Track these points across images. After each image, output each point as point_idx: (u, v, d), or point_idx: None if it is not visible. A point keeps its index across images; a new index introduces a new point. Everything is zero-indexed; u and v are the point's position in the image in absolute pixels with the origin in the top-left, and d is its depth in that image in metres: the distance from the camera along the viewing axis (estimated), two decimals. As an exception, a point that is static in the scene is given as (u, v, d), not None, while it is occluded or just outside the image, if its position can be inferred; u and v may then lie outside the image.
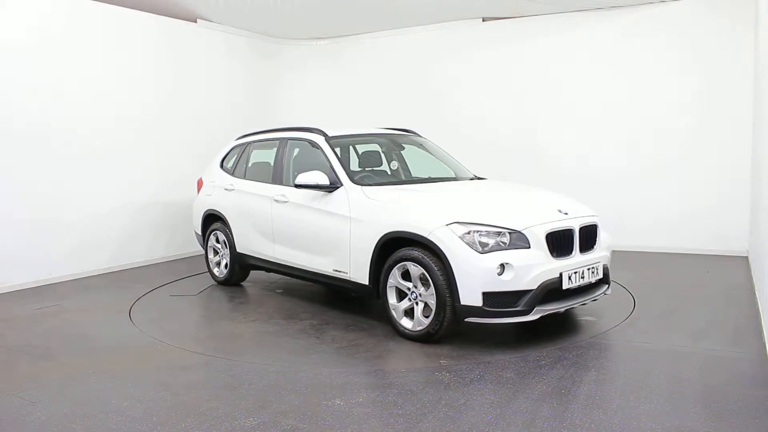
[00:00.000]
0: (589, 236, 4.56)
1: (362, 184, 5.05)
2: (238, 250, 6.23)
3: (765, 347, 4.05)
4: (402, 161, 6.12)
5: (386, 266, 4.55)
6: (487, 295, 4.06)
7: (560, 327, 4.71)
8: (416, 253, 4.32)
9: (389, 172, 5.92)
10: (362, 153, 5.94)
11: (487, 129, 8.74)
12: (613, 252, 7.61)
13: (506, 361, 3.98)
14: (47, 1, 6.72)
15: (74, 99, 6.95)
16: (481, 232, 4.16)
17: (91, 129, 7.13)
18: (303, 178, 5.15)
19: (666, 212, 7.75)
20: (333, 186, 5.08)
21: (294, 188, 5.36)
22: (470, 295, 4.09)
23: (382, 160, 5.95)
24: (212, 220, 6.61)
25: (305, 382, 3.74)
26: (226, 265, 6.47)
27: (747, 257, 7.13)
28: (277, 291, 6.32)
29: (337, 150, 5.46)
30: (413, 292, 4.40)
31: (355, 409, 3.28)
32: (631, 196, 7.92)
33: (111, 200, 7.37)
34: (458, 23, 8.85)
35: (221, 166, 6.64)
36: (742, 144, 7.24)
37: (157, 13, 7.91)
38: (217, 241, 6.54)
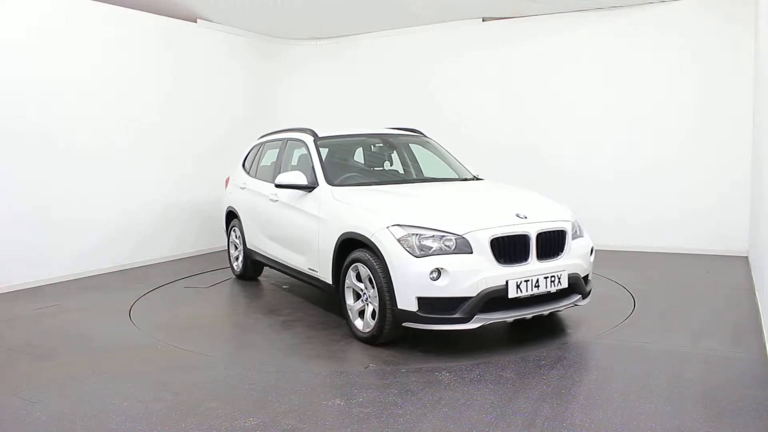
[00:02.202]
0: (552, 242, 4.28)
1: (340, 185, 5.07)
2: (247, 246, 6.44)
3: (765, 347, 4.05)
4: (399, 160, 6.10)
5: (343, 267, 4.56)
6: (422, 301, 3.97)
7: (560, 327, 4.71)
8: (364, 254, 4.31)
9: (378, 173, 5.85)
10: (352, 153, 5.99)
11: (487, 129, 8.74)
12: (614, 252, 7.70)
13: (506, 361, 3.98)
14: (47, 1, 6.72)
15: (74, 99, 6.95)
16: (421, 235, 4.05)
17: (91, 129, 7.14)
18: (281, 178, 5.27)
19: (666, 212, 7.75)
20: (312, 186, 5.15)
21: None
22: (406, 300, 4.02)
23: (373, 160, 5.97)
24: (232, 216, 6.85)
25: (305, 382, 3.74)
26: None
27: (747, 257, 7.13)
28: (283, 287, 6.40)
29: (325, 150, 5.52)
30: (365, 293, 4.38)
31: (355, 409, 3.28)
32: (631, 196, 7.92)
33: (112, 200, 7.37)
34: (458, 23, 8.86)
35: (243, 165, 6.85)
36: (742, 144, 7.24)
37: (157, 13, 7.91)
38: (237, 237, 6.74)
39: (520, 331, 4.65)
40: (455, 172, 5.81)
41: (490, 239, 4.03)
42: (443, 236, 4.04)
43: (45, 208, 6.68)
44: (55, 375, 3.95)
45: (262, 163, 6.47)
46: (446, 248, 4.02)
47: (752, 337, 4.29)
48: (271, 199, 5.76)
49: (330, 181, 5.11)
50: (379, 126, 7.29)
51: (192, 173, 8.42)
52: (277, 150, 6.18)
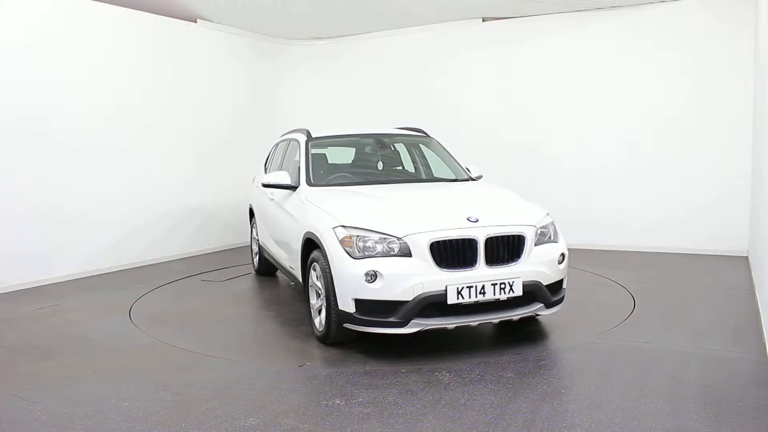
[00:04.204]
0: (507, 248, 4.08)
1: (323, 185, 5.12)
2: (260, 243, 6.68)
3: (765, 347, 4.05)
4: (396, 161, 6.10)
5: (307, 266, 4.61)
6: (358, 302, 3.97)
7: (560, 327, 4.71)
8: (318, 254, 4.33)
9: (365, 173, 5.76)
10: (344, 153, 6.05)
11: (487, 129, 8.75)
12: (614, 252, 7.71)
13: (506, 361, 3.98)
14: (47, 1, 6.72)
15: (74, 99, 6.96)
16: (362, 237, 4.03)
17: (91, 129, 7.14)
18: (267, 178, 5.36)
19: (666, 212, 7.75)
20: (294, 186, 5.23)
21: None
22: (345, 301, 4.03)
23: (364, 160, 6.02)
24: (252, 214, 7.10)
25: (305, 382, 3.75)
26: None
27: (747, 257, 7.13)
28: (291, 284, 6.48)
29: (318, 150, 5.62)
30: (321, 293, 4.38)
31: (355, 409, 3.28)
32: (631, 196, 7.92)
33: (112, 200, 7.38)
34: (458, 23, 8.86)
35: (264, 164, 7.02)
36: (742, 144, 7.24)
37: (157, 13, 7.91)
38: (256, 234, 6.96)
39: (520, 332, 4.64)
40: (453, 172, 5.76)
41: (429, 243, 3.94)
42: (386, 239, 4.00)
43: (45, 208, 6.68)
44: (55, 375, 3.95)
45: (274, 163, 6.60)
46: (389, 251, 3.97)
47: (752, 337, 4.29)
48: (270, 198, 5.89)
49: (310, 182, 5.15)
50: (385, 126, 7.32)
51: (192, 173, 8.43)
52: (284, 150, 6.31)
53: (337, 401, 3.40)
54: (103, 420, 3.24)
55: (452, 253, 3.97)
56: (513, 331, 4.65)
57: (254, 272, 7.16)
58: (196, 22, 8.54)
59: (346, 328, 4.15)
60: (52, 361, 4.24)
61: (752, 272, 6.21)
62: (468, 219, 4.10)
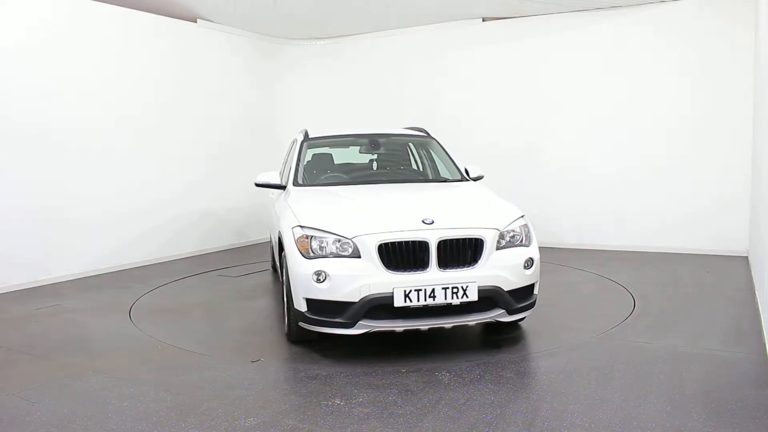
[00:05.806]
0: (463, 251, 3.97)
1: (309, 185, 5.18)
2: (272, 241, 6.75)
3: (765, 347, 4.05)
4: (394, 161, 6.09)
5: (280, 264, 4.67)
6: (309, 302, 4.01)
7: (560, 327, 4.71)
8: (284, 253, 4.37)
9: (354, 174, 5.75)
10: (339, 153, 6.12)
11: (487, 129, 8.75)
12: (614, 252, 7.71)
13: (506, 361, 3.98)
14: (47, 2, 6.72)
15: (74, 99, 6.96)
16: (315, 237, 4.05)
17: (91, 129, 7.14)
18: (259, 177, 5.41)
19: (666, 213, 7.75)
20: (284, 185, 5.29)
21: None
22: (298, 300, 4.08)
23: (358, 160, 6.05)
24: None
25: (305, 382, 3.74)
26: None
27: (747, 257, 7.13)
28: None
29: (315, 150, 5.70)
30: None
31: (355, 409, 3.28)
32: (632, 197, 7.92)
33: (113, 200, 7.37)
34: (458, 23, 8.86)
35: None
36: (742, 144, 7.24)
37: (157, 13, 7.91)
38: None
39: (520, 332, 4.64)
40: (449, 173, 5.70)
41: (377, 244, 3.90)
42: (339, 239, 4.00)
43: (45, 208, 6.68)
44: (55, 375, 3.95)
45: (285, 162, 6.65)
46: (342, 251, 3.98)
47: (752, 337, 4.29)
48: (271, 197, 6.01)
49: (296, 182, 5.19)
50: (386, 125, 7.33)
51: (192, 173, 8.42)
52: (290, 149, 6.38)
53: (337, 401, 3.40)
54: (103, 420, 3.24)
55: (402, 255, 3.92)
56: (512, 332, 4.65)
57: (271, 268, 7.29)
58: (196, 22, 8.54)
59: (299, 327, 4.21)
60: (52, 361, 4.24)
61: (752, 272, 6.21)
62: (423, 221, 4.02)
